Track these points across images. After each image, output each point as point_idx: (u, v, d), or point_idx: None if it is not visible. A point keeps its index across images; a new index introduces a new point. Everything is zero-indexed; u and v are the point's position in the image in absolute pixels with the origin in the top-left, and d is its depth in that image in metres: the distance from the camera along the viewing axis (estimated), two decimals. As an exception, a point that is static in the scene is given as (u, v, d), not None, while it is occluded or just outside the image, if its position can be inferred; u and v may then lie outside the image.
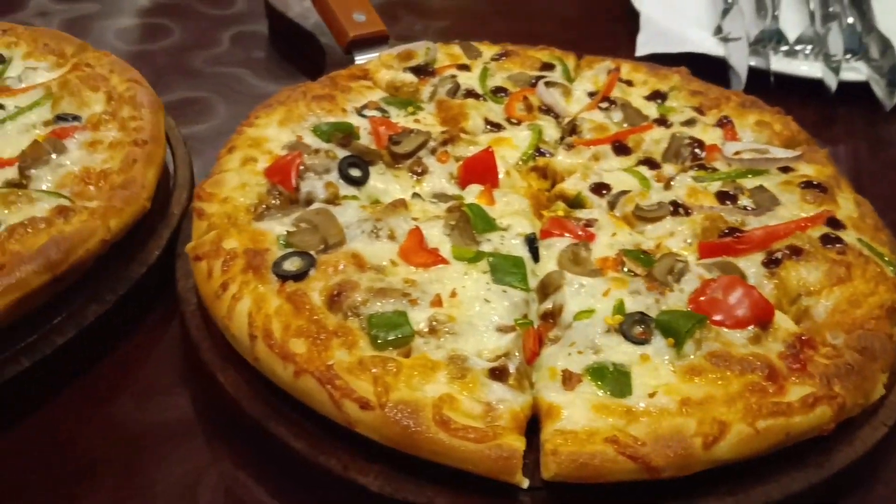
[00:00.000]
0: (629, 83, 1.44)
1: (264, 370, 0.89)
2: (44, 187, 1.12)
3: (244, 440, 0.94)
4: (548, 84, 1.39)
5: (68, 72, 1.35)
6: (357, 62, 1.53)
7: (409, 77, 1.42)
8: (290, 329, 0.88)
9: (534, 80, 1.42)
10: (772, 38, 1.75)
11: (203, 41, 1.86)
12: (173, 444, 0.95)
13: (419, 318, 0.90)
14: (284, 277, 0.95)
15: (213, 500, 0.90)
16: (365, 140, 1.22)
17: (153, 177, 1.15)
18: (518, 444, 0.79)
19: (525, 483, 0.79)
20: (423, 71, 1.44)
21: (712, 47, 1.72)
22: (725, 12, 1.80)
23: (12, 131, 1.22)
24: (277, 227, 1.04)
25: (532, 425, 0.85)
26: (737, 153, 1.24)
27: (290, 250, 0.99)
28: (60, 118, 1.25)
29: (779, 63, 1.68)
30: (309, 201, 1.11)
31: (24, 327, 0.97)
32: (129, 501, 0.89)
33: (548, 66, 1.49)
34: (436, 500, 0.80)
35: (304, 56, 1.74)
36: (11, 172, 1.14)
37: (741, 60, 1.66)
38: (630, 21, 1.89)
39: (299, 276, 0.95)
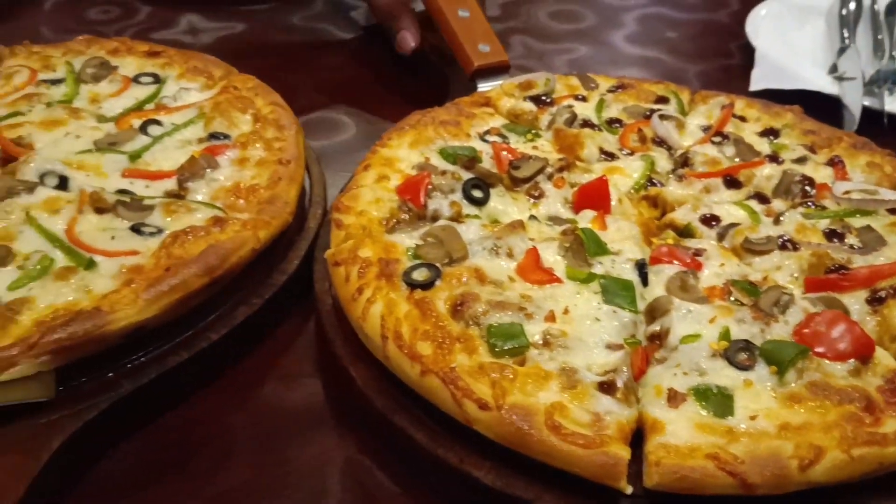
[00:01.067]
0: (742, 119, 1.46)
1: (393, 368, 0.96)
2: (198, 198, 1.22)
3: (369, 428, 1.01)
4: (662, 117, 1.42)
5: (218, 94, 1.46)
6: (480, 89, 1.61)
7: (529, 106, 1.49)
8: (417, 332, 0.96)
9: (648, 113, 1.46)
10: (887, 79, 1.72)
11: (333, 63, 1.96)
12: (306, 427, 1.02)
13: (534, 330, 0.95)
14: (413, 286, 1.02)
15: (339, 480, 0.97)
16: (487, 164, 1.29)
17: (295, 194, 1.24)
18: (624, 452, 0.83)
19: (629, 490, 0.83)
20: (541, 100, 1.50)
21: (826, 86, 1.70)
22: (841, 51, 1.79)
23: (170, 146, 1.33)
24: (407, 239, 1.12)
25: (636, 438, 0.89)
26: (846, 193, 1.24)
27: (418, 262, 1.07)
28: (213, 136, 1.34)
29: (893, 104, 1.66)
30: (435, 218, 1.18)
31: (182, 325, 1.06)
32: (264, 475, 0.97)
33: (662, 100, 1.52)
34: (543, 497, 0.84)
35: (426, 81, 1.82)
36: (171, 184, 1.24)
37: (855, 100, 1.64)
38: (742, 55, 1.90)
39: (426, 285, 1.02)
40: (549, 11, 2.20)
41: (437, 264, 1.06)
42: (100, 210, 1.15)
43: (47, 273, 1.04)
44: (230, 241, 1.10)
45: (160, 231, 1.12)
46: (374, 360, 1.01)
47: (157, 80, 1.51)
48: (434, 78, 1.80)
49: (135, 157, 1.29)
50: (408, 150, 1.33)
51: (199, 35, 2.05)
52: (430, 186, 1.21)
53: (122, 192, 1.20)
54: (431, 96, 1.59)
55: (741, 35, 1.94)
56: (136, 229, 1.12)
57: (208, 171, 1.25)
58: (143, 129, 1.36)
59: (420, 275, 1.04)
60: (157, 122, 1.37)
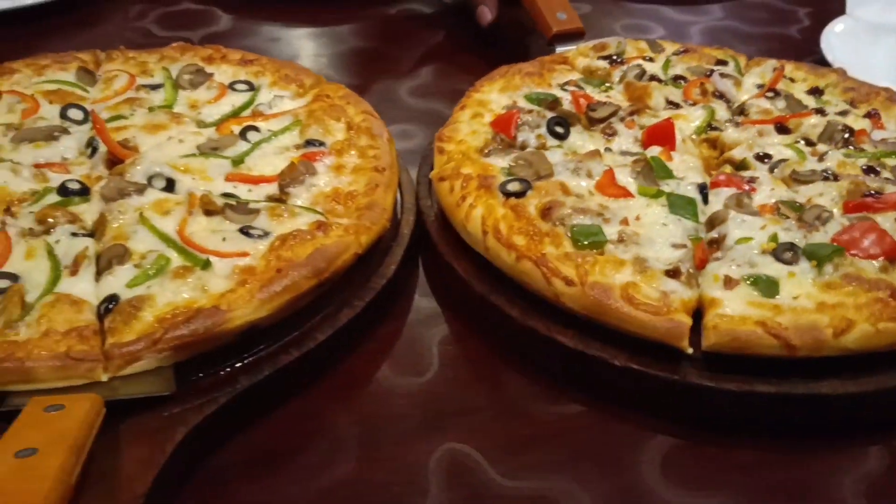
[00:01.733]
0: (792, 80, 1.62)
1: (491, 257, 1.16)
2: (299, 203, 1.29)
3: (470, 315, 1.20)
4: (722, 75, 1.58)
5: (311, 102, 1.53)
6: (557, 52, 1.77)
7: (603, 63, 1.65)
8: (513, 229, 1.15)
9: (709, 72, 1.61)
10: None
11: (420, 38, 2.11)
12: (407, 424, 1.07)
13: (610, 231, 1.13)
14: (508, 195, 1.21)
15: (439, 475, 1.03)
16: (566, 107, 1.46)
17: (392, 200, 1.31)
18: (686, 319, 0.98)
19: (689, 350, 0.97)
20: (613, 60, 1.67)
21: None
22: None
23: (269, 152, 1.40)
24: (500, 161, 1.31)
25: (695, 317, 1.06)
26: (882, 140, 1.39)
27: (511, 177, 1.25)
28: (309, 143, 1.41)
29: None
30: (523, 147, 1.37)
31: (288, 326, 1.11)
32: (368, 469, 1.01)
33: (722, 62, 1.67)
34: (617, 356, 1.01)
35: (505, 51, 1.99)
36: (272, 189, 1.31)
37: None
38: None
39: (519, 194, 1.21)
40: (622, 24, 2.31)
41: (528, 179, 1.23)
42: (209, 212, 1.22)
43: (164, 272, 1.11)
44: (335, 245, 1.13)
45: (267, 234, 1.15)
46: (472, 258, 1.21)
47: (252, 87, 1.60)
48: (512, 48, 1.96)
49: (237, 161, 1.36)
50: (497, 94, 1.51)
51: (279, 43, 2.16)
52: (519, 121, 1.39)
53: (227, 195, 1.28)
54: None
55: (814, 51, 2.00)
56: (244, 232, 1.15)
57: (307, 177, 1.32)
58: (242, 134, 1.43)
59: (513, 186, 1.23)
60: (255, 129, 1.45)
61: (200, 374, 1.04)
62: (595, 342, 1.03)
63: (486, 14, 1.99)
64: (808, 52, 2.05)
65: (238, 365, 1.06)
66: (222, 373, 1.05)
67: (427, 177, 1.41)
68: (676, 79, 1.61)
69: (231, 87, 1.61)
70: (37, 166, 1.35)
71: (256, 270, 1.12)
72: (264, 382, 1.04)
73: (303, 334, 1.11)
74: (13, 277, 1.10)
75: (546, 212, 1.17)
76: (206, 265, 1.11)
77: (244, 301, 1.06)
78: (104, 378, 0.99)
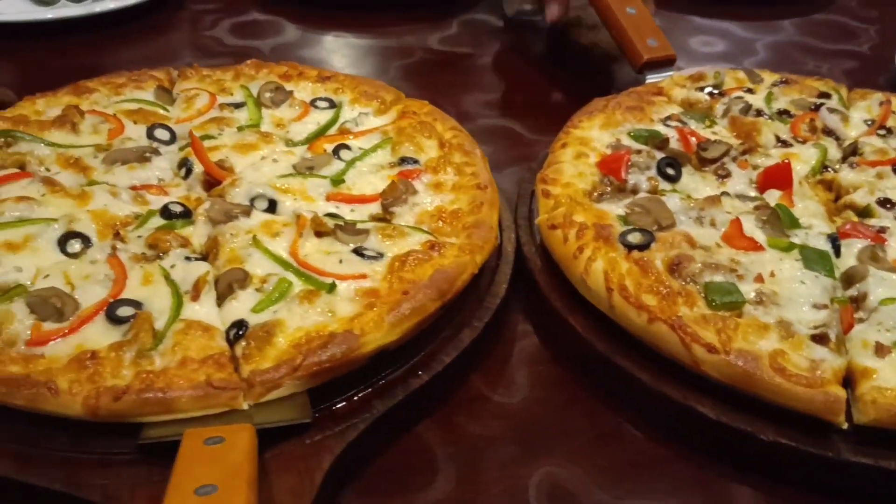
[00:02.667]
0: (897, 113, 1.71)
1: (617, 316, 1.22)
2: (403, 223, 1.32)
3: (588, 373, 1.27)
4: (830, 110, 1.67)
5: (399, 119, 1.63)
6: (648, 81, 1.87)
7: (703, 96, 1.75)
8: (641, 286, 1.22)
9: (814, 106, 1.71)
10: None
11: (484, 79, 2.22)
12: (521, 443, 1.16)
13: (746, 289, 1.19)
14: (630, 247, 1.29)
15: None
16: (674, 146, 1.56)
17: (497, 218, 1.35)
18: (841, 392, 1.02)
19: (845, 424, 1.01)
20: (712, 91, 1.76)
21: None
22: None
23: (364, 171, 1.48)
24: (614, 208, 1.39)
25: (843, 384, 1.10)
26: None
27: (630, 227, 1.33)
28: (403, 161, 1.50)
29: None
30: (635, 191, 1.45)
31: (408, 348, 1.16)
32: (497, 490, 1.12)
33: (824, 95, 1.77)
34: (764, 430, 1.04)
35: (586, 73, 2.11)
36: (374, 208, 1.39)
37: None
38: (890, 88, 2.11)
39: (642, 247, 1.29)
40: (687, 40, 2.45)
41: (649, 229, 1.32)
42: (319, 234, 1.30)
43: (287, 296, 1.19)
44: (453, 266, 1.20)
45: (381, 255, 1.23)
46: (589, 312, 1.28)
47: (333, 104, 1.70)
48: (578, 65, 2.09)
49: (337, 181, 1.45)
50: (598, 131, 1.60)
51: (344, 54, 2.28)
52: (629, 163, 1.47)
53: (331, 215, 1.36)
54: (590, 94, 1.83)
55: (886, 67, 2.17)
56: (358, 253, 1.23)
57: (408, 195, 1.41)
58: (335, 153, 1.53)
59: (635, 238, 1.30)
60: (347, 147, 1.55)
61: (332, 400, 1.12)
62: (739, 414, 1.06)
63: (554, 11, 2.09)
64: (882, 68, 2.22)
65: (369, 389, 1.14)
66: (355, 398, 1.13)
67: (526, 219, 1.50)
68: (781, 113, 1.71)
69: (313, 104, 1.72)
70: (133, 188, 1.45)
71: (380, 293, 1.20)
72: (397, 406, 1.13)
73: (428, 356, 1.20)
74: (137, 305, 1.18)
75: (674, 267, 1.24)
76: (332, 289, 1.20)
77: (375, 325, 1.14)
78: (245, 406, 1.08)
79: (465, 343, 1.22)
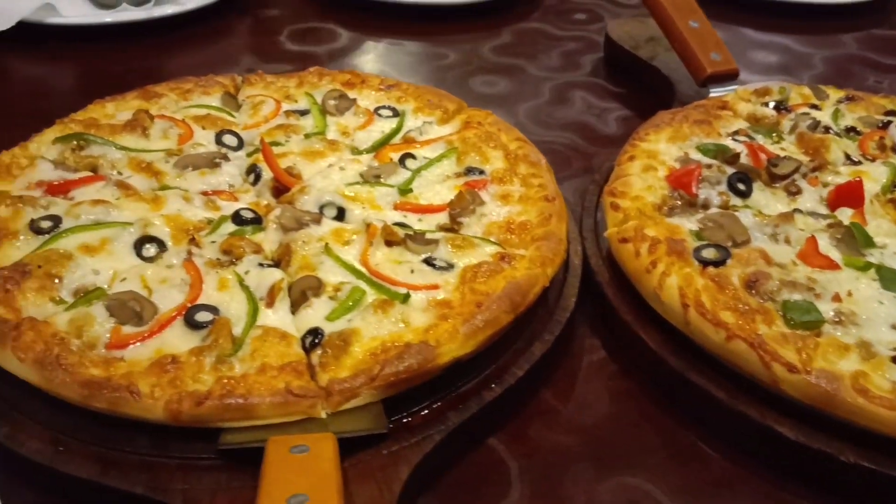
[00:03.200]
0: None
1: (692, 333, 1.21)
2: (472, 233, 1.31)
3: (660, 387, 1.26)
4: (898, 128, 1.65)
5: (463, 129, 1.62)
6: (711, 95, 1.85)
7: (769, 111, 1.73)
8: (717, 303, 1.21)
9: (881, 123, 1.69)
10: None
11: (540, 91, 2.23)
12: (590, 457, 1.17)
13: (824, 308, 1.18)
14: (705, 263, 1.28)
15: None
16: (743, 160, 1.54)
17: (566, 230, 1.35)
18: None
19: None
20: (778, 107, 1.75)
21: None
22: None
23: (431, 180, 1.48)
24: (686, 222, 1.38)
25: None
26: None
27: (704, 242, 1.32)
28: (469, 171, 1.50)
29: None
30: (705, 205, 1.44)
31: (479, 360, 1.16)
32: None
33: (891, 112, 1.74)
34: (844, 451, 1.03)
35: (643, 86, 2.10)
36: (442, 218, 1.39)
37: None
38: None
39: (718, 262, 1.27)
40: (755, 53, 2.45)
41: (723, 245, 1.31)
42: (389, 243, 1.31)
43: (360, 305, 1.19)
44: (525, 278, 1.20)
45: (451, 266, 1.23)
46: (661, 327, 1.27)
47: (396, 113, 1.70)
48: (656, 86, 2.04)
49: (405, 190, 1.46)
50: (666, 144, 1.59)
51: (395, 60, 2.29)
52: (700, 177, 1.46)
53: (398, 224, 1.36)
54: (647, 106, 1.85)
55: None
56: (429, 263, 1.23)
57: (476, 206, 1.40)
58: (401, 162, 1.53)
59: (710, 253, 1.29)
60: (412, 156, 1.55)
61: (406, 411, 1.12)
62: (818, 435, 1.05)
63: None
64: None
65: (442, 401, 1.14)
66: (429, 409, 1.13)
67: (592, 231, 1.49)
68: (849, 130, 1.69)
69: (376, 112, 1.73)
70: (204, 194, 1.46)
71: (453, 304, 1.21)
72: (471, 419, 1.13)
73: (500, 369, 1.20)
74: (214, 310, 1.19)
75: (751, 284, 1.22)
76: (406, 299, 1.20)
77: (450, 336, 1.14)
78: (323, 415, 1.08)
79: (537, 356, 1.22)
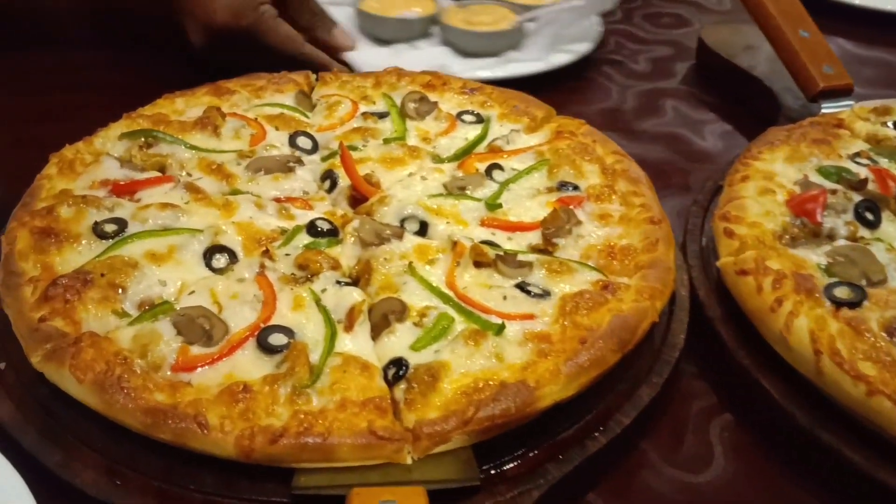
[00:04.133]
0: None
1: (826, 384, 1.07)
2: (568, 256, 1.23)
3: (781, 443, 1.12)
4: None
5: (554, 138, 1.49)
6: (823, 111, 1.70)
7: (892, 131, 1.57)
8: (856, 351, 1.06)
9: None
10: None
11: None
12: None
13: None
14: (838, 304, 1.13)
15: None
16: (869, 187, 1.39)
17: (673, 258, 1.23)
18: None
19: None
20: (900, 127, 1.58)
21: None
22: None
23: (521, 194, 1.35)
24: (812, 255, 1.23)
25: None
26: None
27: (834, 279, 1.17)
28: (562, 186, 1.36)
29: None
30: (831, 236, 1.29)
31: (577, 403, 1.04)
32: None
33: None
34: None
35: (740, 97, 1.95)
36: (534, 238, 1.26)
37: None
38: None
39: (853, 304, 1.13)
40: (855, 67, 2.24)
41: (857, 283, 1.16)
42: (478, 264, 1.19)
43: (448, 334, 1.07)
44: (633, 312, 1.08)
45: (547, 293, 1.12)
46: (784, 372, 1.13)
47: (480, 119, 1.57)
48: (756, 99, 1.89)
49: (493, 205, 1.32)
50: (783, 164, 1.44)
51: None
52: (825, 204, 1.31)
53: (486, 243, 1.24)
54: (747, 121, 1.72)
55: None
56: (522, 289, 1.13)
57: (572, 226, 1.27)
58: (487, 173, 1.40)
59: (843, 293, 1.15)
60: (499, 167, 1.42)
61: (499, 459, 1.01)
62: None
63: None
64: None
65: (539, 450, 1.02)
66: (522, 458, 1.02)
67: (698, 258, 1.36)
68: (979, 158, 1.52)
69: (459, 117, 1.60)
70: (277, 200, 1.36)
71: (553, 338, 1.08)
72: (572, 472, 1.01)
73: (601, 415, 1.07)
74: (289, 332, 1.08)
75: (893, 331, 1.08)
76: (501, 330, 1.08)
77: (551, 376, 1.02)
78: (409, 461, 0.96)
79: (645, 401, 1.09)
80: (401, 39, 2.12)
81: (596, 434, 1.05)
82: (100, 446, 1.01)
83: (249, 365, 1.04)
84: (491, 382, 1.01)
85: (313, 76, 1.73)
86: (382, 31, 2.12)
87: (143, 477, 0.98)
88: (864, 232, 1.31)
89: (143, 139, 1.43)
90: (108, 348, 1.03)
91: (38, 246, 1.17)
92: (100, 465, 0.99)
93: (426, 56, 2.05)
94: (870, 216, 1.32)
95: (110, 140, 1.43)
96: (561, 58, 2.05)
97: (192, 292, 1.13)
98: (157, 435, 0.96)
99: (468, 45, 2.07)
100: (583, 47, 2.09)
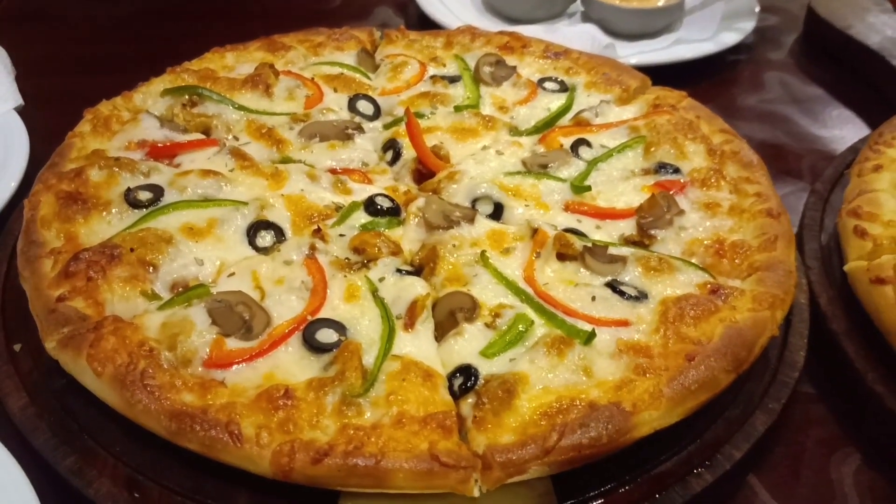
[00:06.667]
0: None
1: None
2: (665, 251, 1.08)
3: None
4: None
5: (651, 112, 1.32)
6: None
7: None
8: None
9: None
10: None
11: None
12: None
13: None
14: None
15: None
16: None
17: (794, 259, 1.06)
18: None
19: None
20: None
21: None
22: None
23: (613, 176, 1.20)
24: (965, 264, 1.05)
25: None
26: None
27: None
28: (660, 168, 1.20)
29: None
30: None
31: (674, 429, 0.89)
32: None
33: None
34: None
35: (856, 75, 1.75)
36: (626, 227, 1.11)
37: None
38: None
39: None
40: None
41: None
42: (562, 256, 1.04)
43: (526, 339, 0.93)
44: (750, 324, 0.94)
45: (643, 295, 0.98)
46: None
47: (564, 87, 1.41)
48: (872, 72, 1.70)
49: (580, 188, 1.16)
50: (918, 153, 1.25)
51: None
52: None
53: (571, 231, 1.09)
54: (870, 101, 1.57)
55: None
56: (614, 289, 1.00)
57: (674, 216, 1.11)
58: (573, 149, 1.24)
59: None
60: (587, 143, 1.26)
61: (583, 495, 0.88)
62: None
63: None
64: None
65: (632, 483, 0.89)
66: (611, 494, 0.88)
67: (818, 259, 1.19)
68: None
69: (540, 84, 1.43)
70: (333, 172, 1.21)
71: (651, 351, 0.92)
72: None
73: (708, 445, 0.92)
74: (340, 328, 0.94)
75: None
76: (591, 339, 0.93)
77: (651, 399, 0.86)
78: (476, 493, 0.82)
79: (760, 432, 0.94)
80: (537, 18, 1.92)
81: (701, 469, 0.90)
82: (119, 450, 0.90)
83: (293, 365, 0.91)
84: (578, 402, 0.86)
85: (378, 33, 1.58)
86: (512, 9, 1.93)
87: (166, 490, 0.86)
88: None
89: (187, 97, 1.30)
90: (132, 337, 0.90)
91: (62, 213, 1.05)
92: (118, 473, 0.88)
93: (576, 34, 1.81)
94: None
95: (151, 96, 1.32)
96: (730, 37, 1.84)
97: (232, 274, 1.01)
98: (182, 443, 0.84)
99: (623, 25, 1.86)
100: (748, 24, 1.88)
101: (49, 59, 1.71)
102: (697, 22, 1.88)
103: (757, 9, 1.93)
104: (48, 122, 1.26)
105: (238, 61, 1.44)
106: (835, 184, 1.32)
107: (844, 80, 1.80)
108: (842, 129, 1.63)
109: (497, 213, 1.15)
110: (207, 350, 0.91)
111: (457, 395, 0.90)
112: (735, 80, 1.83)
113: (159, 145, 1.21)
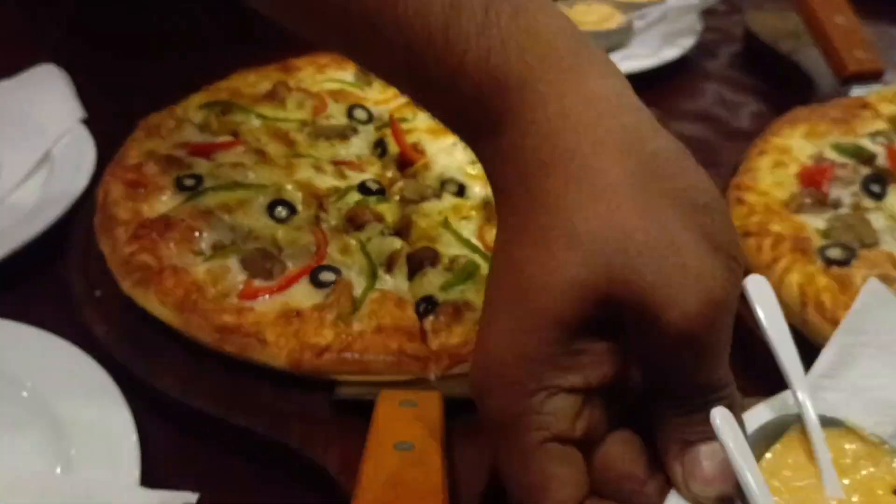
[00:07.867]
0: None
1: (810, 332, 1.20)
2: None
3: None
4: None
5: None
6: (853, 94, 1.83)
7: (914, 113, 1.69)
8: (838, 303, 1.21)
9: None
10: None
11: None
12: None
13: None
14: (830, 262, 1.28)
15: None
16: (881, 163, 1.52)
17: None
18: None
19: None
20: (925, 109, 1.71)
21: None
22: None
23: None
24: (813, 221, 1.38)
25: None
26: None
27: (830, 241, 1.33)
28: None
29: None
30: (836, 205, 1.43)
31: None
32: None
33: None
34: None
35: (781, 82, 2.08)
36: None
37: None
38: None
39: (843, 262, 1.28)
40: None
41: (850, 246, 1.31)
42: None
43: (473, 278, 1.25)
44: None
45: None
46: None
47: None
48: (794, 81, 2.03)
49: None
50: (801, 140, 1.59)
51: None
52: (832, 176, 1.46)
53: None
54: (784, 102, 1.80)
55: None
56: None
57: None
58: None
59: (835, 253, 1.30)
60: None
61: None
62: None
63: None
64: None
65: None
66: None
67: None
68: None
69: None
70: (333, 163, 1.57)
71: None
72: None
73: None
74: (337, 271, 1.29)
75: (877, 287, 1.23)
76: None
77: None
78: (432, 377, 1.16)
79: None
80: None
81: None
82: (177, 360, 1.22)
83: (302, 297, 1.24)
84: (507, 318, 1.20)
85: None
86: None
87: (212, 384, 1.19)
88: (868, 202, 1.44)
89: (219, 108, 1.66)
90: (185, 278, 1.25)
91: (129, 195, 1.41)
92: (179, 372, 1.20)
93: None
94: (875, 188, 1.46)
95: (191, 109, 1.67)
96: (671, 52, 2.14)
97: (257, 237, 1.35)
98: (225, 348, 1.18)
99: None
100: (688, 41, 2.19)
101: (108, 80, 2.05)
102: (646, 41, 2.22)
103: (699, 27, 2.28)
104: (111, 133, 1.61)
105: (258, 80, 1.79)
106: (735, 168, 1.64)
107: (770, 88, 2.12)
108: (759, 126, 1.93)
109: (461, 191, 1.49)
110: (241, 287, 1.26)
111: (421, 316, 1.23)
112: (677, 88, 2.17)
113: (199, 146, 1.56)
